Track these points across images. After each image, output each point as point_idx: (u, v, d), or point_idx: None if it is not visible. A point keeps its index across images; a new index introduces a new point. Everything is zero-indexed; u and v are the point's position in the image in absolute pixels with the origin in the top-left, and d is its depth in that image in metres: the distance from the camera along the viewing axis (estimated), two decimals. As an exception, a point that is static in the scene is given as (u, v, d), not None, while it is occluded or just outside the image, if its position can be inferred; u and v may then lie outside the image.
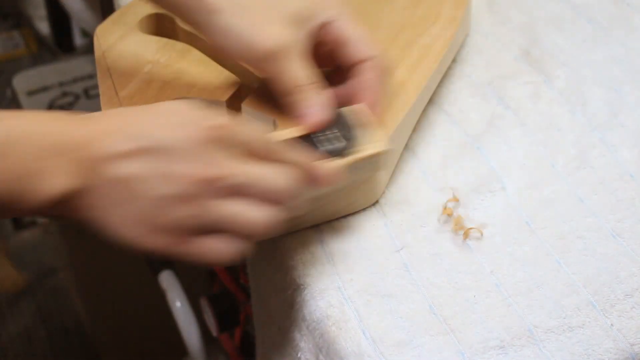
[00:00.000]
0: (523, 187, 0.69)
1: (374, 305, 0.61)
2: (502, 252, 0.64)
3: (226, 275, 0.92)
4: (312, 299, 0.62)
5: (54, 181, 0.51)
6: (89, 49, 1.61)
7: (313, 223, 0.66)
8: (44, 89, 1.51)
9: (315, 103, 0.62)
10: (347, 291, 0.62)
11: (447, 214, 0.66)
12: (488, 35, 0.85)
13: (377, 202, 0.68)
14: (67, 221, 0.59)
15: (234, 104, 0.68)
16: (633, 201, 0.67)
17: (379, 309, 0.60)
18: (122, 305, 1.29)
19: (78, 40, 1.76)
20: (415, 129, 0.74)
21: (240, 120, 0.55)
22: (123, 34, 0.76)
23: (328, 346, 0.60)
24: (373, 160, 0.62)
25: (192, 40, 0.73)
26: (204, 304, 0.90)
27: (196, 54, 0.72)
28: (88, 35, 1.74)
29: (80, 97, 1.50)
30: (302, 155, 0.57)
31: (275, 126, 0.64)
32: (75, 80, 1.54)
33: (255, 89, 0.67)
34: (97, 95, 0.81)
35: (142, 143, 0.51)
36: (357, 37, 0.65)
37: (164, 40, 0.74)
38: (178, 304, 0.95)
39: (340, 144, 0.60)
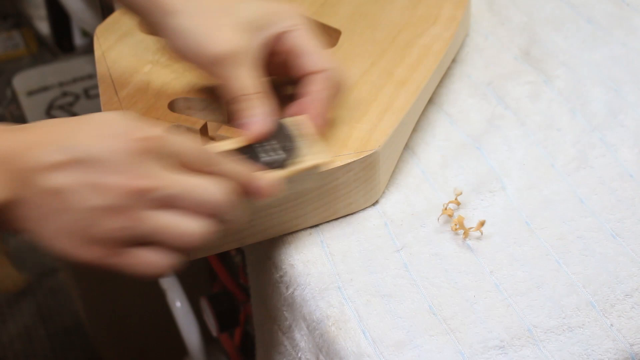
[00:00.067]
0: (523, 187, 0.69)
1: (373, 305, 0.61)
2: (502, 252, 0.64)
3: (226, 275, 0.92)
4: (312, 299, 0.62)
5: None
6: (89, 49, 1.61)
7: (313, 223, 0.66)
8: (44, 89, 1.51)
9: (257, 113, 0.61)
10: (347, 291, 0.62)
11: (448, 215, 0.66)
12: (488, 35, 0.85)
13: (377, 202, 0.68)
14: (8, 232, 0.58)
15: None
16: (633, 201, 0.67)
17: (379, 309, 0.60)
18: (122, 305, 1.29)
19: (78, 40, 1.76)
20: (415, 129, 0.74)
21: (176, 131, 0.55)
22: (123, 34, 0.76)
23: (328, 346, 0.60)
24: (314, 172, 0.61)
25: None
26: (204, 304, 0.90)
27: (196, 54, 0.72)
28: (88, 35, 1.74)
29: (80, 97, 1.50)
30: (239, 167, 0.56)
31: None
32: (75, 80, 1.54)
33: None
34: (97, 95, 0.81)
35: (73, 154, 0.51)
36: (311, 49, 0.64)
37: (164, 40, 0.74)
38: (178, 304, 0.95)
39: (279, 156, 0.59)
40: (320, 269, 0.63)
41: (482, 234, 0.65)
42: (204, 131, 0.65)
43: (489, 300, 0.61)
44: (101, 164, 0.51)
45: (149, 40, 0.74)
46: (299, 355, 0.65)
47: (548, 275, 0.62)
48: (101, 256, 0.52)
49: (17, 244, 1.64)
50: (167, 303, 0.96)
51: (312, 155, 0.60)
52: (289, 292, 0.64)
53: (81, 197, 0.50)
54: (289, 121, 0.62)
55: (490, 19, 0.87)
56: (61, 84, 1.52)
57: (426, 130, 0.75)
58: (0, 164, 0.51)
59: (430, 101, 0.77)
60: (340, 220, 0.67)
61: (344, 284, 0.62)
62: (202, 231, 0.53)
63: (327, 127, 0.65)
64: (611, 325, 0.59)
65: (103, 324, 1.36)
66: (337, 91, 0.66)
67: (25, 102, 1.49)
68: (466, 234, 0.65)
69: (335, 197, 0.66)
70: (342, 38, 0.77)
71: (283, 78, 0.68)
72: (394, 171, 0.71)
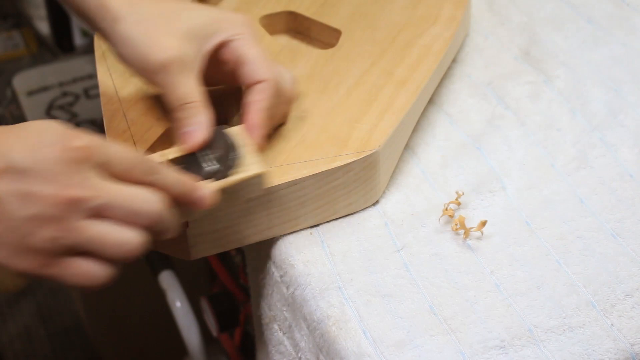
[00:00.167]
0: (523, 187, 0.69)
1: (374, 305, 0.61)
2: (502, 252, 0.64)
3: (226, 275, 0.92)
4: (312, 299, 0.62)
5: None
6: (89, 49, 1.61)
7: (313, 223, 0.66)
8: (44, 89, 1.51)
9: (194, 122, 0.61)
10: (347, 291, 0.62)
11: (449, 215, 0.66)
12: (488, 35, 0.85)
13: (377, 202, 0.68)
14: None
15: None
16: (633, 201, 0.67)
17: (379, 309, 0.60)
18: (122, 305, 1.29)
19: (78, 40, 1.76)
20: (415, 129, 0.74)
21: (110, 140, 0.54)
22: (123, 34, 0.76)
23: (328, 346, 0.60)
24: (250, 183, 0.60)
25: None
26: (204, 304, 0.90)
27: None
28: (88, 35, 1.74)
29: (80, 97, 1.49)
30: (178, 176, 0.56)
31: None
32: (75, 80, 1.53)
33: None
34: (97, 95, 0.81)
35: (6, 163, 0.50)
36: (253, 59, 0.64)
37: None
38: (178, 304, 0.95)
39: (215, 166, 0.59)
40: (321, 269, 0.63)
41: (482, 234, 0.65)
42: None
43: (489, 300, 0.61)
44: (34, 173, 0.50)
45: (149, 40, 0.74)
46: (299, 355, 0.65)
47: (548, 275, 0.62)
48: (36, 266, 0.51)
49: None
50: (167, 303, 0.96)
51: (247, 167, 0.60)
52: (289, 292, 0.64)
53: (13, 207, 0.50)
54: (232, 131, 0.62)
55: (490, 19, 0.87)
56: (61, 84, 1.51)
57: (426, 130, 0.75)
58: None
59: (430, 101, 0.77)
60: (340, 220, 0.67)
61: (344, 284, 0.62)
62: (137, 241, 0.52)
63: (265, 137, 0.63)
64: (612, 325, 0.59)
65: (103, 324, 1.36)
66: (275, 102, 0.64)
67: (25, 102, 1.49)
68: (466, 234, 0.65)
69: (335, 197, 0.66)
70: (342, 38, 0.77)
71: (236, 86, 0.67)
72: (394, 171, 0.71)
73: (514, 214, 0.67)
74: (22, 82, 1.53)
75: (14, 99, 1.52)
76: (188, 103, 0.61)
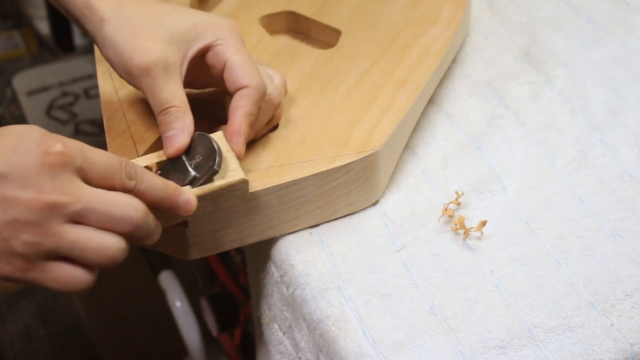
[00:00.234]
0: (523, 187, 0.69)
1: (374, 305, 0.61)
2: (502, 252, 0.64)
3: (226, 275, 0.92)
4: (312, 299, 0.62)
5: None
6: (89, 49, 1.61)
7: (313, 223, 0.66)
8: (44, 89, 1.51)
9: (175, 127, 0.61)
10: (347, 291, 0.62)
11: (449, 216, 0.66)
12: (488, 35, 0.85)
13: (377, 202, 0.68)
14: None
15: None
16: (633, 201, 0.67)
17: (379, 309, 0.60)
18: (122, 305, 1.29)
19: (78, 40, 1.76)
20: (415, 129, 0.74)
21: (90, 145, 0.54)
22: (123, 34, 0.76)
23: (328, 346, 0.60)
24: (233, 189, 0.60)
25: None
26: (204, 304, 0.90)
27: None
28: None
29: (80, 97, 1.49)
30: (159, 181, 0.55)
31: None
32: (75, 80, 1.53)
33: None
34: (97, 95, 0.81)
35: None
36: (237, 64, 0.63)
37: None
38: (178, 304, 0.95)
39: (197, 171, 0.59)
40: (321, 269, 0.63)
41: (482, 234, 0.65)
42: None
43: (489, 300, 0.61)
44: (13, 178, 0.50)
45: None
46: (299, 355, 0.65)
47: (548, 275, 0.62)
48: (17, 270, 0.51)
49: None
50: (167, 303, 0.96)
51: (231, 172, 0.60)
52: (289, 292, 0.64)
53: None
54: (216, 136, 0.61)
55: (490, 19, 0.87)
56: (61, 84, 1.52)
57: (426, 130, 0.75)
58: None
59: (430, 101, 0.77)
60: (340, 220, 0.67)
61: (344, 284, 0.62)
62: (118, 247, 0.52)
63: (245, 143, 0.62)
64: (611, 325, 0.59)
65: (103, 324, 1.36)
66: (257, 108, 0.64)
67: (25, 102, 1.49)
68: (466, 234, 0.65)
69: (335, 197, 0.66)
70: (342, 38, 0.77)
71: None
72: (394, 171, 0.71)
73: (514, 214, 0.67)
74: (22, 82, 1.53)
75: (14, 99, 1.52)
76: (170, 107, 0.61)
